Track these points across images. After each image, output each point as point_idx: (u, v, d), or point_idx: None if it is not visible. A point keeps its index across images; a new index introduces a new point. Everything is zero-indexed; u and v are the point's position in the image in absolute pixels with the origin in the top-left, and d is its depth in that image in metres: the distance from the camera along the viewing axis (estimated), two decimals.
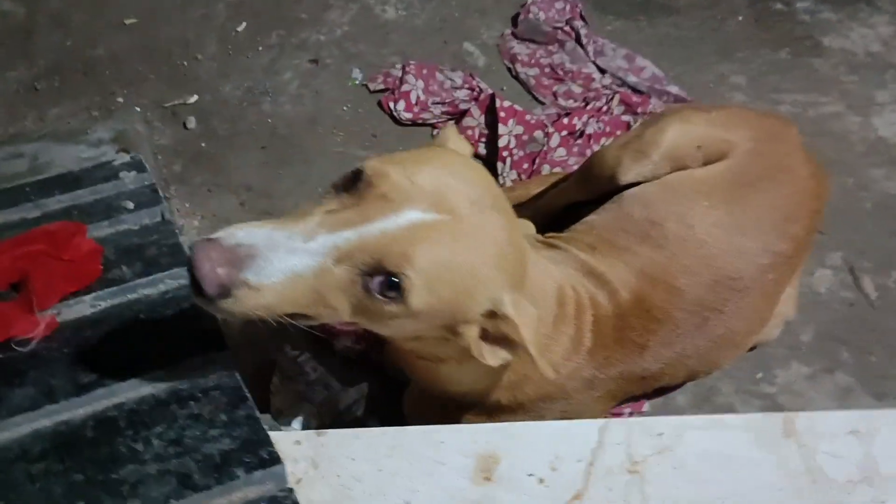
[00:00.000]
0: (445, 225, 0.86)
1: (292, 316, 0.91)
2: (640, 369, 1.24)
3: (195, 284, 0.81)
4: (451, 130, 1.09)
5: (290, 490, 0.91)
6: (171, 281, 1.23)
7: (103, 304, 1.18)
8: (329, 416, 1.44)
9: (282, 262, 0.83)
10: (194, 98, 1.93)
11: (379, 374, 1.48)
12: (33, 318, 1.12)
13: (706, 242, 1.25)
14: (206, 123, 1.89)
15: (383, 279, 0.86)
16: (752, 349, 1.50)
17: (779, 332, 1.50)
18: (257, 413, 0.98)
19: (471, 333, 0.96)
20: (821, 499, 1.07)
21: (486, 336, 0.99)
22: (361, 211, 0.87)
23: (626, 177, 1.40)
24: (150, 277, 1.23)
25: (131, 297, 1.20)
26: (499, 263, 0.92)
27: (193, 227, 1.71)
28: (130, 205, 1.41)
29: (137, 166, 1.53)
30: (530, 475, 1.08)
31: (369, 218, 0.86)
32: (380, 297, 0.87)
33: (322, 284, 0.87)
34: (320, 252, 0.85)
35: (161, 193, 1.42)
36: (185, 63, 2.00)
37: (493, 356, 0.99)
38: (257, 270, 0.82)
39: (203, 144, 1.85)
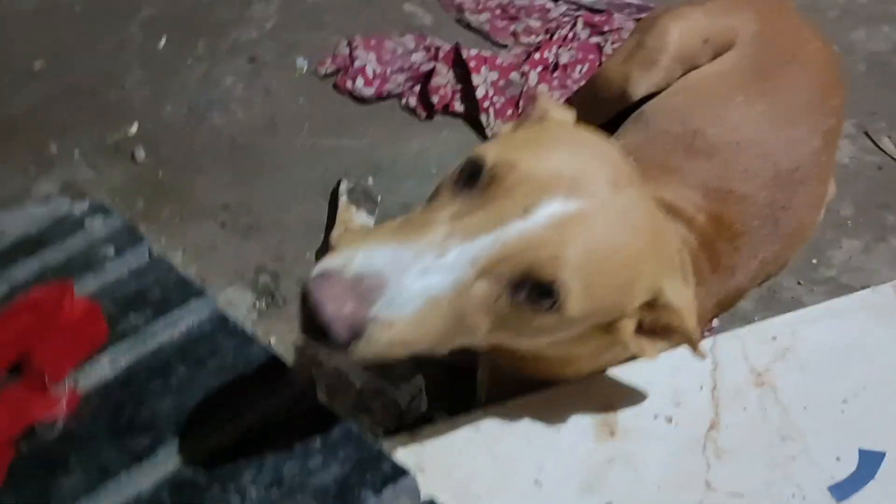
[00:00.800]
0: (590, 213, 0.72)
1: (442, 344, 0.75)
2: (734, 290, 1.14)
3: (315, 330, 0.66)
4: (544, 98, 0.91)
5: (431, 501, 0.78)
6: (191, 317, 1.08)
7: (123, 361, 1.02)
8: (392, 421, 1.30)
9: (417, 286, 0.68)
10: (135, 128, 1.74)
11: (430, 362, 1.35)
12: (50, 396, 0.97)
13: (756, 139, 1.15)
14: (157, 152, 1.71)
15: (534, 288, 0.71)
16: None
17: (823, 213, 1.43)
18: (355, 427, 0.85)
19: (628, 328, 0.82)
20: None
21: (640, 328, 0.84)
22: (493, 211, 0.71)
23: (638, 90, 1.30)
24: (166, 319, 1.07)
25: (152, 345, 1.04)
26: (652, 247, 0.78)
27: (177, 263, 1.53)
28: (110, 251, 1.25)
29: (102, 210, 1.35)
30: (656, 417, 0.97)
31: (505, 218, 0.70)
32: (530, 309, 0.72)
33: (462, 304, 0.71)
34: (458, 267, 0.69)
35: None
36: (113, 95, 1.81)
37: (654, 349, 0.85)
38: (390, 302, 0.67)
39: (160, 174, 1.68)
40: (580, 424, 0.97)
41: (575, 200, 0.71)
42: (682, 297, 0.82)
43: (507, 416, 0.98)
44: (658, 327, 0.83)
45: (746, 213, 1.12)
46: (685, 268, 1.01)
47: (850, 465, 0.92)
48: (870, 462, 0.92)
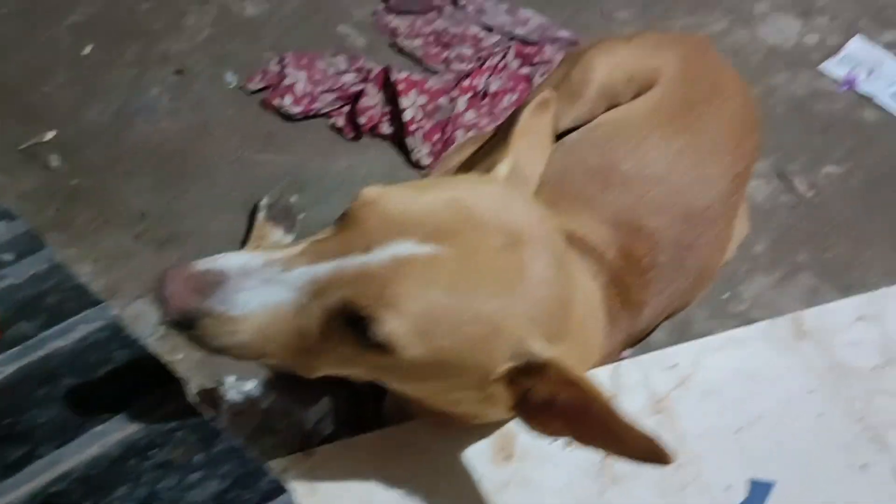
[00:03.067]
0: (442, 261, 0.70)
1: (291, 361, 0.77)
2: (643, 325, 1.14)
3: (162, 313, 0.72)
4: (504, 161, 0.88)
5: None
6: (86, 325, 1.03)
7: (9, 370, 0.97)
8: (297, 443, 1.27)
9: (253, 291, 0.71)
10: (52, 134, 1.70)
11: (339, 384, 1.33)
12: None
13: (669, 177, 1.16)
14: (75, 157, 1.66)
15: (359, 322, 0.70)
16: None
17: (735, 250, 1.46)
18: (239, 443, 0.82)
19: (500, 396, 0.76)
20: (854, 391, 1.01)
21: (535, 402, 0.76)
22: (342, 242, 0.72)
23: (562, 123, 1.30)
24: (59, 327, 1.02)
25: (41, 353, 1.00)
26: (523, 306, 0.72)
27: (87, 273, 1.49)
28: (9, 257, 1.20)
29: (5, 215, 1.31)
30: (554, 442, 0.96)
31: (351, 249, 0.71)
32: (362, 344, 0.71)
33: (303, 324, 0.73)
34: (297, 285, 0.71)
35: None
36: (35, 98, 1.76)
37: (545, 427, 0.77)
38: (223, 299, 0.71)
39: (76, 181, 1.63)
40: (478, 447, 0.96)
41: (429, 246, 0.69)
42: (567, 363, 0.72)
43: (405, 437, 0.97)
44: (561, 404, 0.74)
45: (656, 248, 1.12)
46: (593, 307, 1.01)
47: (739, 494, 0.93)
48: (759, 492, 0.93)
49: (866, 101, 1.80)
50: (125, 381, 0.94)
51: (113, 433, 0.86)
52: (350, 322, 0.71)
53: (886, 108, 1.77)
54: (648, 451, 0.70)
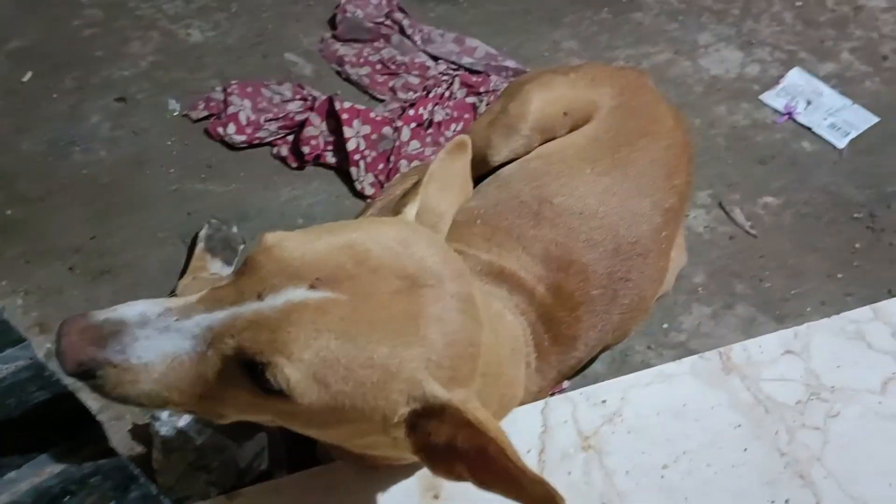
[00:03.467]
0: (340, 305, 0.70)
1: (196, 408, 0.77)
2: (575, 360, 1.14)
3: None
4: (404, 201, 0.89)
5: None
6: (5, 365, 1.00)
7: None
8: (230, 480, 1.25)
9: (150, 340, 0.71)
10: None
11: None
12: None
13: (600, 211, 1.17)
14: (8, 188, 1.63)
15: (255, 368, 0.70)
16: None
17: (674, 281, 1.47)
18: (154, 489, 0.80)
19: (398, 438, 0.76)
20: (779, 426, 1.02)
21: (432, 444, 0.75)
22: (241, 288, 0.73)
23: (498, 156, 1.31)
24: None
25: None
26: (420, 350, 0.72)
27: (18, 306, 1.46)
28: None
29: None
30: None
31: (246, 296, 0.71)
32: (260, 390, 0.71)
33: (203, 371, 0.73)
34: (194, 332, 0.72)
35: None
36: None
37: (444, 471, 0.77)
38: (121, 349, 0.71)
39: (9, 212, 1.60)
40: (405, 485, 0.95)
41: (321, 291, 0.70)
42: (470, 405, 0.72)
43: (332, 478, 0.96)
44: (461, 447, 0.73)
45: (587, 283, 1.13)
46: (518, 343, 1.01)
47: None
48: None
49: (805, 131, 1.83)
50: (43, 425, 0.91)
51: (25, 480, 0.83)
52: (247, 369, 0.70)
53: (824, 138, 1.81)
54: (542, 495, 0.70)
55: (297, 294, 0.70)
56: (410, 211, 0.86)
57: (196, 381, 0.73)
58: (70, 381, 1.00)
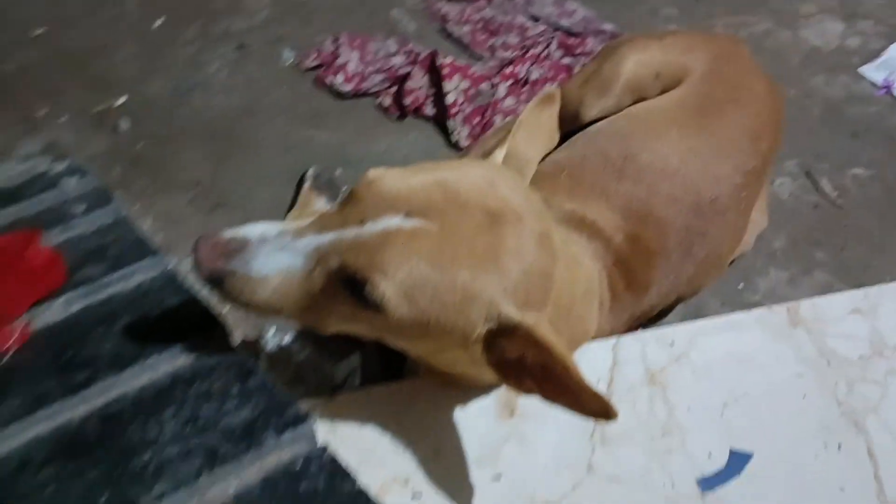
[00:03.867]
0: (424, 234, 0.79)
1: (303, 318, 0.89)
2: (647, 306, 1.22)
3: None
4: (488, 140, 1.00)
5: (325, 447, 0.87)
6: (143, 274, 1.16)
7: (76, 307, 1.11)
8: (325, 395, 1.38)
9: (269, 256, 0.84)
10: (121, 100, 1.84)
11: (369, 343, 1.43)
12: (2, 330, 1.05)
13: (682, 170, 1.23)
14: (139, 125, 1.80)
15: (355, 284, 0.81)
16: (731, 263, 1.51)
17: (753, 242, 1.52)
18: (270, 379, 0.93)
19: (475, 351, 0.85)
20: (840, 378, 1.08)
21: (511, 362, 0.85)
22: (345, 215, 0.83)
23: (590, 113, 1.38)
24: (120, 273, 1.16)
25: (103, 295, 1.13)
26: (497, 277, 0.81)
27: (144, 230, 1.62)
28: (81, 208, 1.34)
29: (78, 171, 1.45)
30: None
31: (348, 222, 0.82)
32: (357, 303, 0.82)
33: (310, 286, 0.84)
34: (304, 251, 0.84)
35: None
36: (105, 68, 1.90)
37: (519, 385, 0.86)
38: (244, 262, 0.84)
39: (139, 147, 1.77)
40: (483, 403, 1.06)
41: (414, 220, 0.79)
42: (540, 327, 0.81)
43: (419, 390, 1.07)
44: (531, 364, 0.83)
45: (663, 235, 1.20)
46: (592, 284, 1.10)
47: (720, 462, 1.01)
48: (738, 461, 1.01)
49: None
50: (175, 323, 1.06)
51: (162, 365, 0.98)
52: (348, 284, 0.81)
53: None
54: (599, 409, 0.79)
55: (393, 222, 0.80)
56: (498, 155, 0.95)
57: (304, 293, 0.85)
58: (197, 289, 1.15)
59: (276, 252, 0.84)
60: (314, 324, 0.91)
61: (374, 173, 0.85)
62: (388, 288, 0.79)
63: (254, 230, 0.85)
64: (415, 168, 0.88)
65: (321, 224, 0.85)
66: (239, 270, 0.84)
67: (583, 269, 1.07)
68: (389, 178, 0.83)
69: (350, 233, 0.82)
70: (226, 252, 0.84)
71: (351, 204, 0.84)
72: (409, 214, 0.80)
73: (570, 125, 1.41)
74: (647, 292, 1.19)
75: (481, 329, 0.83)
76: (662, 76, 1.36)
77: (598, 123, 1.37)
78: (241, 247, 0.84)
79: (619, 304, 1.15)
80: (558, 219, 1.18)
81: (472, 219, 0.81)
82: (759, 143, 1.31)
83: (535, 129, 1.00)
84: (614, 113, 1.38)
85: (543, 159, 1.33)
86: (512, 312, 0.82)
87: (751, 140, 1.30)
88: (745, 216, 1.34)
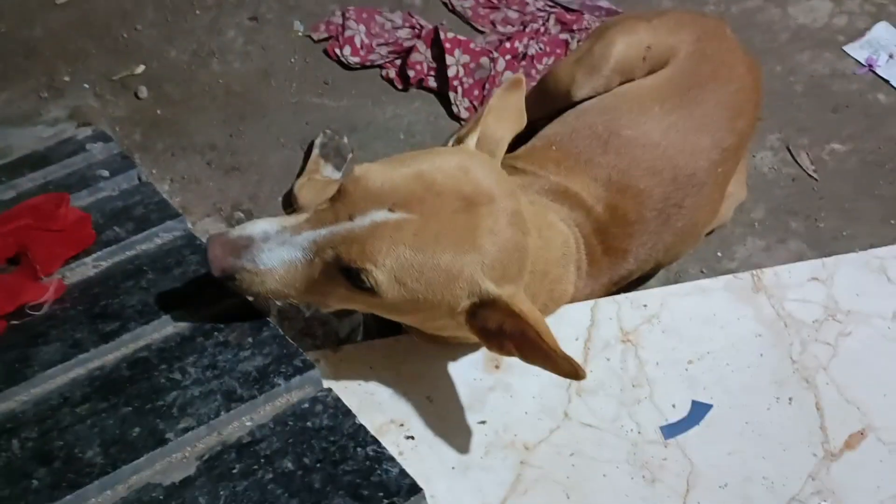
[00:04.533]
0: (412, 222, 0.91)
1: (308, 300, 1.02)
2: (625, 271, 1.32)
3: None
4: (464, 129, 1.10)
5: (329, 390, 0.98)
6: (166, 234, 1.27)
7: (105, 264, 1.22)
8: (331, 348, 1.50)
9: (272, 251, 0.96)
10: (141, 68, 1.93)
11: None
12: (40, 284, 1.16)
13: (663, 145, 1.33)
14: (158, 90, 1.90)
15: (351, 271, 0.93)
16: (710, 233, 1.61)
17: (731, 214, 1.62)
18: (281, 332, 1.05)
19: (460, 321, 0.98)
20: (795, 338, 1.19)
21: (491, 330, 0.98)
22: (336, 211, 0.95)
23: (580, 92, 1.47)
24: (145, 233, 1.26)
25: (130, 253, 1.24)
26: (477, 257, 0.93)
27: (164, 192, 1.73)
28: (105, 173, 1.44)
29: (102, 137, 1.55)
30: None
31: (340, 218, 0.94)
32: (355, 287, 0.95)
33: (311, 273, 0.97)
34: (303, 245, 0.96)
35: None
36: (126, 34, 2.00)
37: (498, 348, 0.99)
38: (251, 258, 0.96)
39: (159, 111, 1.87)
40: (472, 357, 1.18)
41: (398, 213, 0.92)
42: (516, 299, 0.93)
43: (415, 344, 1.19)
44: (509, 331, 0.95)
45: (642, 205, 1.30)
46: (568, 248, 1.20)
47: (683, 412, 1.13)
48: (699, 411, 1.13)
49: (882, 83, 1.91)
50: (196, 279, 1.17)
51: (185, 318, 1.10)
52: (344, 272, 0.94)
53: None
54: (569, 370, 0.91)
55: (379, 216, 0.92)
56: (471, 140, 1.06)
57: (307, 280, 0.97)
58: None
59: (279, 247, 0.96)
60: (316, 304, 1.05)
61: (359, 170, 0.96)
62: (379, 275, 0.92)
63: (256, 228, 0.98)
64: (394, 161, 0.99)
65: (316, 219, 0.97)
66: (248, 265, 0.96)
67: (560, 235, 1.18)
68: (373, 174, 0.95)
69: (342, 227, 0.94)
70: (234, 250, 0.96)
71: (341, 200, 0.96)
72: (393, 207, 0.92)
73: (561, 103, 1.50)
74: (626, 258, 1.30)
75: (465, 303, 0.96)
76: (650, 58, 1.45)
77: (588, 101, 1.47)
78: (247, 244, 0.96)
79: (597, 268, 1.27)
80: (545, 189, 1.29)
81: (449, 205, 0.93)
82: (737, 121, 1.40)
83: (503, 112, 1.10)
84: (603, 92, 1.47)
85: (521, 138, 1.44)
86: (490, 287, 0.94)
87: (729, 118, 1.39)
88: (721, 190, 1.44)
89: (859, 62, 1.95)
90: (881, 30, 1.99)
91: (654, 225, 1.32)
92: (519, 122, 1.13)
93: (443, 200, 0.93)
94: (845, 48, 1.97)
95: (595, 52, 1.47)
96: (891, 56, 1.93)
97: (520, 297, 0.95)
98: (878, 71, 1.92)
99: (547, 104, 1.54)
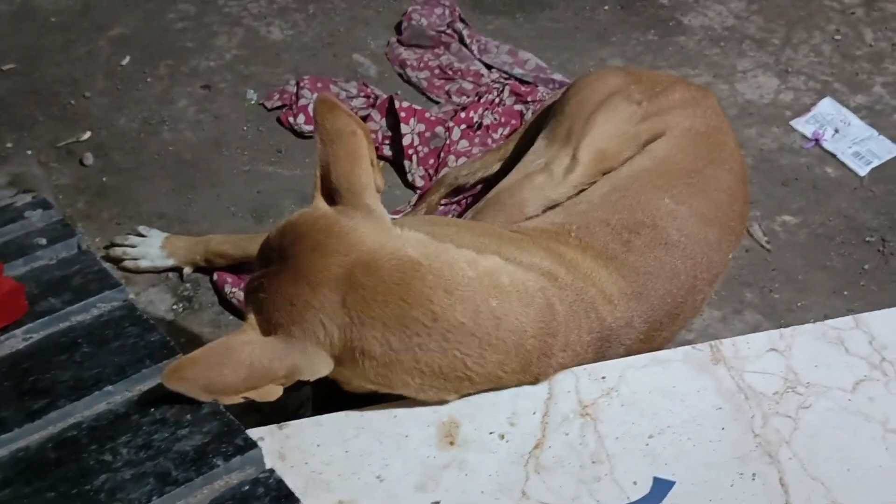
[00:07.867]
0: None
1: None
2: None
3: None
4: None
5: (272, 471, 0.93)
6: (104, 304, 1.21)
7: (37, 336, 1.15)
8: (277, 424, 1.44)
9: None
10: (87, 134, 1.90)
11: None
12: None
13: (681, 243, 1.31)
14: (106, 158, 1.86)
15: None
16: None
17: None
18: (222, 407, 0.99)
19: None
20: (756, 411, 1.16)
21: None
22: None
23: (560, 190, 1.46)
24: (82, 304, 1.20)
25: (65, 325, 1.17)
26: None
27: (107, 263, 1.67)
28: (43, 241, 1.38)
29: (42, 204, 1.49)
30: (491, 433, 1.13)
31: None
32: None
33: None
34: None
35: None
36: (74, 101, 1.96)
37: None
38: None
39: (105, 179, 1.82)
40: (426, 431, 1.12)
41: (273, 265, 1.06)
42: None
43: (366, 419, 1.13)
44: None
45: (653, 309, 1.29)
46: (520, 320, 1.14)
47: (644, 489, 1.08)
48: (661, 488, 1.08)
49: (829, 157, 1.95)
50: (133, 353, 1.11)
51: (119, 393, 1.03)
52: None
53: (847, 166, 1.93)
54: None
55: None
56: (319, 203, 1.11)
57: None
58: (155, 319, 1.21)
59: None
60: None
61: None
62: None
63: None
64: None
65: None
66: None
67: (522, 306, 1.13)
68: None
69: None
70: None
71: None
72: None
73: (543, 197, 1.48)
74: (618, 352, 1.26)
75: None
76: (639, 143, 1.45)
77: (591, 190, 1.44)
78: None
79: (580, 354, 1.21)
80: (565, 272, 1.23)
81: (297, 262, 1.05)
82: (736, 203, 1.39)
83: (339, 146, 1.11)
84: (586, 184, 1.45)
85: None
86: None
87: (730, 201, 1.38)
88: (719, 281, 1.42)
89: (806, 137, 1.99)
90: (826, 105, 2.05)
91: (664, 325, 1.31)
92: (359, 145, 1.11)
93: (288, 254, 1.07)
94: (792, 123, 2.02)
95: (573, 138, 1.48)
96: (836, 131, 1.98)
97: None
98: (825, 145, 1.97)
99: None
